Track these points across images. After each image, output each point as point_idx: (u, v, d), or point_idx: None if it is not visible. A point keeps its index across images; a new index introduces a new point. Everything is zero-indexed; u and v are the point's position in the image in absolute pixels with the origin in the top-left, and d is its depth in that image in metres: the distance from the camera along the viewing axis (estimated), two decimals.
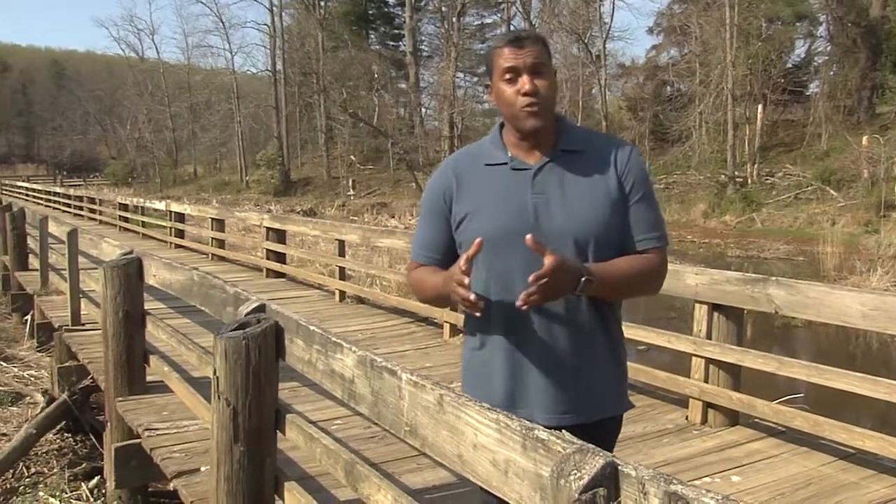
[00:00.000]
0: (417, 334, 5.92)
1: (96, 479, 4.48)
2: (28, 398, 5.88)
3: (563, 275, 1.54)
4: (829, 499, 2.87)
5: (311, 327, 2.18)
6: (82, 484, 4.48)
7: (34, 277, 7.99)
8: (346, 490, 2.55)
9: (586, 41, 30.97)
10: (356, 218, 24.18)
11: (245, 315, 2.45)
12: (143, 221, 15.39)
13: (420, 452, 1.74)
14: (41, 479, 4.66)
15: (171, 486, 3.39)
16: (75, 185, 38.92)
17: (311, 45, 39.52)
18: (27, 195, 30.65)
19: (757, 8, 26.00)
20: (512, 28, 35.27)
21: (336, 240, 7.63)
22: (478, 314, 1.58)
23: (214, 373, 2.37)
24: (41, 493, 4.44)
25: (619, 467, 1.14)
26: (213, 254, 11.14)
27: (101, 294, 4.19)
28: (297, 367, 2.28)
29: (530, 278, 1.51)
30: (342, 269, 7.61)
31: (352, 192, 33.58)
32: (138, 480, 3.79)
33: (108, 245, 5.25)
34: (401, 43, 42.49)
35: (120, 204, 17.19)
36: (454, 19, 34.51)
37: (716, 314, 3.62)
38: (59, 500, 4.29)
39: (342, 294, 7.49)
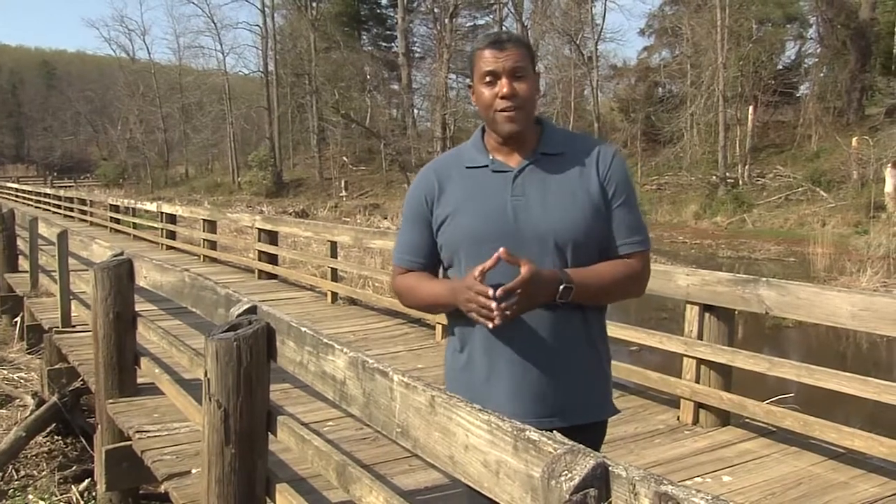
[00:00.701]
0: (410, 336, 5.92)
1: (86, 481, 4.45)
2: (18, 400, 5.83)
3: (536, 285, 1.54)
4: (819, 498, 2.89)
5: (303, 329, 2.18)
6: (72, 487, 4.46)
7: (24, 279, 7.94)
8: (338, 492, 2.55)
9: (578, 42, 31.05)
10: (348, 219, 24.15)
11: (237, 317, 2.44)
12: (134, 223, 15.33)
13: (412, 454, 1.73)
14: (31, 481, 4.63)
15: (162, 489, 3.37)
16: (66, 186, 38.71)
17: (303, 46, 39.48)
18: (17, 196, 30.46)
19: (748, 10, 26.15)
20: (504, 29, 35.34)
21: (328, 241, 7.62)
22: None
23: (206, 374, 2.36)
24: (31, 497, 4.41)
25: (610, 468, 1.15)
26: (204, 255, 11.10)
27: (91, 296, 4.17)
28: (289, 368, 2.27)
29: (498, 292, 1.50)
30: (334, 271, 7.60)
31: (344, 193, 33.54)
32: (129, 483, 3.78)
33: (99, 246, 5.22)
34: (393, 44, 42.49)
35: (111, 205, 17.11)
36: (446, 20, 34.56)
37: (707, 315, 3.63)
38: (49, 503, 4.26)
39: (334, 295, 7.48)
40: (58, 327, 5.83)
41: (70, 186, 41.27)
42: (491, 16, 40.08)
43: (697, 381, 3.67)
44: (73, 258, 6.19)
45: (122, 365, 3.98)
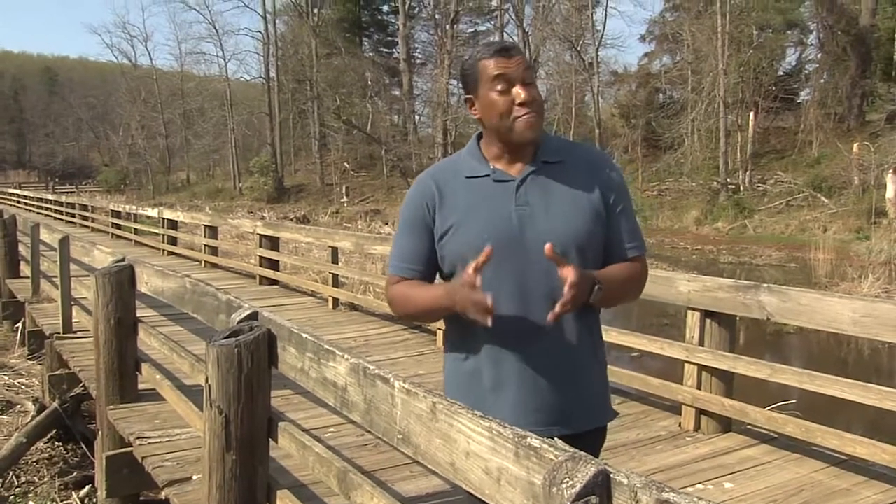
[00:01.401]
0: (411, 341, 5.91)
1: (87, 487, 4.44)
2: (19, 406, 5.84)
3: (584, 284, 1.55)
4: None
5: (304, 335, 2.18)
6: (73, 493, 4.45)
7: (25, 285, 7.95)
8: (339, 498, 2.54)
9: (579, 49, 31.12)
10: (349, 225, 24.16)
11: (238, 322, 2.44)
12: (135, 228, 15.34)
13: (413, 460, 1.73)
14: (32, 488, 4.63)
15: (162, 495, 3.36)
16: (67, 192, 38.72)
17: (304, 52, 39.56)
18: (19, 202, 30.50)
19: (748, 16, 26.20)
20: (506, 36, 35.44)
21: (329, 247, 7.62)
22: (488, 324, 1.53)
23: (207, 381, 2.36)
24: (31, 503, 4.41)
25: (612, 475, 1.14)
26: (205, 261, 11.11)
27: (92, 301, 4.17)
28: (290, 374, 2.27)
29: (557, 308, 1.51)
30: (335, 276, 7.60)
31: (345, 198, 33.55)
32: (130, 489, 3.77)
33: (100, 252, 5.23)
34: (394, 50, 42.59)
35: (112, 211, 17.13)
36: (447, 27, 34.61)
37: (708, 321, 3.63)
38: None
39: (335, 301, 7.48)
40: (59, 333, 5.82)
41: (72, 192, 41.27)
42: (492, 22, 40.21)
43: (699, 388, 3.66)
44: (75, 264, 6.19)
45: (123, 371, 3.98)
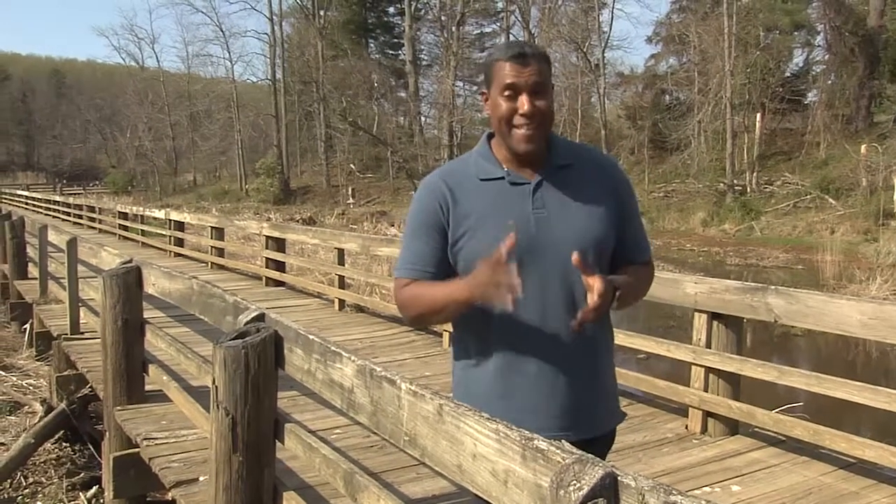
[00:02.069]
0: (417, 343, 5.91)
1: (94, 488, 4.46)
2: (26, 407, 5.86)
3: (609, 293, 1.56)
4: None
5: (311, 336, 2.18)
6: (80, 494, 4.47)
7: (33, 286, 7.98)
8: (345, 500, 2.54)
9: (585, 50, 31.09)
10: (355, 226, 24.17)
11: (245, 324, 2.45)
12: (142, 230, 15.39)
13: (419, 462, 1.73)
14: (39, 488, 4.65)
15: (169, 496, 3.37)
16: (75, 194, 38.92)
17: (310, 54, 39.66)
18: (27, 204, 30.66)
19: (755, 17, 26.13)
20: (511, 37, 35.41)
21: (335, 248, 7.63)
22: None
23: (213, 382, 2.37)
24: (39, 503, 4.42)
25: (619, 478, 1.14)
26: (212, 262, 11.14)
27: (100, 303, 4.19)
28: (297, 376, 2.27)
29: (594, 299, 1.51)
30: (342, 278, 7.61)
31: (351, 200, 33.60)
32: (137, 490, 3.78)
33: (108, 254, 5.24)
34: (400, 52, 42.64)
35: (119, 212, 17.20)
36: (453, 28, 34.66)
37: (715, 323, 3.62)
38: None
39: (342, 303, 7.49)
40: (66, 334, 5.85)
41: (79, 194, 41.50)
42: (498, 24, 40.21)
43: (706, 390, 3.65)
44: (82, 265, 6.22)
45: (130, 372, 4.00)
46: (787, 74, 27.75)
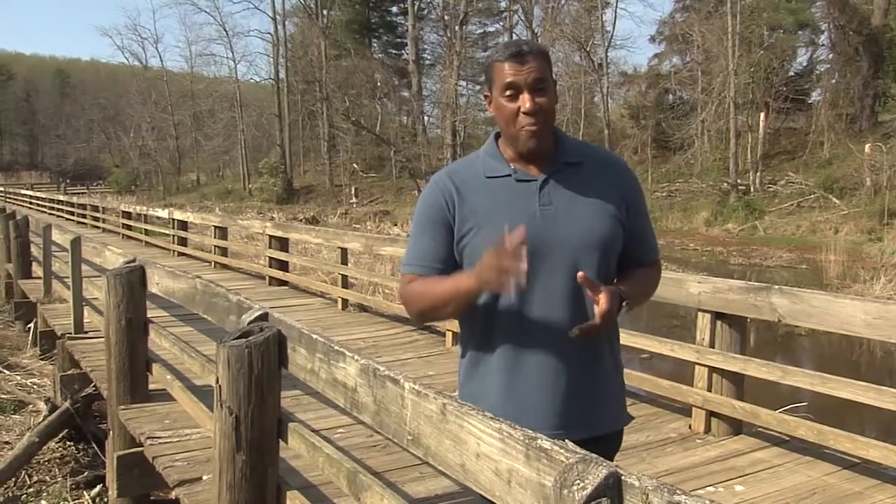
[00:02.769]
0: (420, 342, 5.92)
1: (98, 487, 4.47)
2: (31, 406, 5.88)
3: (615, 308, 1.57)
4: None
5: (314, 336, 2.18)
6: (84, 492, 4.48)
7: (37, 285, 8.00)
8: (348, 499, 2.54)
9: (588, 49, 31.03)
10: (358, 226, 24.18)
11: (248, 323, 2.45)
12: (145, 229, 15.42)
13: (423, 461, 1.73)
14: (43, 487, 4.66)
15: (173, 495, 3.38)
16: (79, 193, 38.97)
17: (313, 53, 39.69)
18: (31, 203, 30.71)
19: (759, 16, 26.08)
20: (514, 36, 35.37)
21: (338, 248, 7.63)
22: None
23: (217, 381, 2.37)
24: (43, 502, 4.44)
25: (623, 477, 1.14)
26: (215, 262, 11.15)
27: (103, 302, 4.20)
28: (300, 375, 2.28)
29: (598, 315, 1.53)
30: (345, 277, 7.61)
31: (354, 199, 33.60)
32: (140, 489, 3.79)
33: (112, 253, 5.25)
34: (403, 51, 42.63)
35: (123, 212, 17.23)
36: (456, 28, 34.63)
37: (719, 323, 3.61)
38: None
39: (345, 302, 7.49)
40: (70, 333, 5.86)
41: (83, 193, 41.53)
42: (501, 23, 40.21)
43: (709, 390, 3.65)
44: (86, 265, 6.23)
45: (133, 371, 4.00)
46: (791, 74, 27.68)
